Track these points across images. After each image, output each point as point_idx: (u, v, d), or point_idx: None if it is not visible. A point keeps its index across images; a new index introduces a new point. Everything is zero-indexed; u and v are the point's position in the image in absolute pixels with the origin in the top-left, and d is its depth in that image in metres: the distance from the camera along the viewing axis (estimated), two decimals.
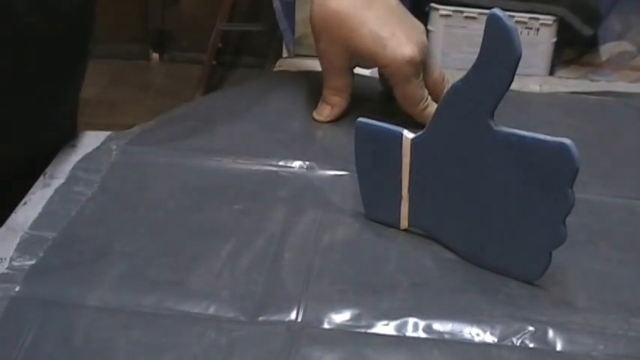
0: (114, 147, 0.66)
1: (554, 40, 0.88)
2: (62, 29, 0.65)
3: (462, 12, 0.87)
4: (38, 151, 0.67)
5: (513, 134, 0.49)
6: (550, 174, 0.48)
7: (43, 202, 0.59)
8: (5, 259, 0.53)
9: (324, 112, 0.71)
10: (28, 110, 0.66)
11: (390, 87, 0.70)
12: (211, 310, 0.49)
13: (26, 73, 0.64)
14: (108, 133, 0.68)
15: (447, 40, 0.88)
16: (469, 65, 0.49)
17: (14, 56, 0.62)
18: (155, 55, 2.59)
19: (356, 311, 0.49)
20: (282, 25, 0.86)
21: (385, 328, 0.48)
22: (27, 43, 0.62)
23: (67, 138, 0.69)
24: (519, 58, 0.46)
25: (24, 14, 0.61)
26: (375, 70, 0.73)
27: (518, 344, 0.47)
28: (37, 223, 0.56)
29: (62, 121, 0.72)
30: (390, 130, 0.54)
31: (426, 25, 0.88)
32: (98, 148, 0.66)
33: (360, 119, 0.55)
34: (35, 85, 0.65)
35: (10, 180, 0.65)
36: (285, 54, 0.89)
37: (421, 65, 0.66)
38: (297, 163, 0.64)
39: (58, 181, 0.61)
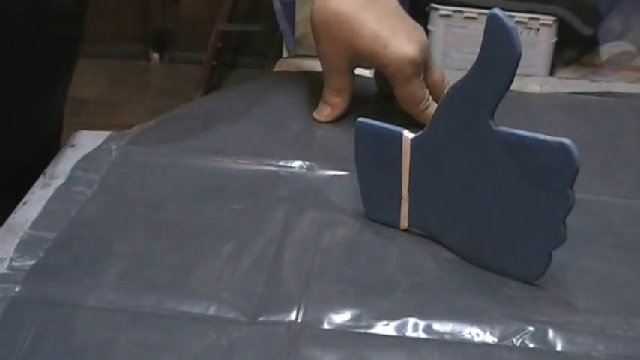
0: (114, 147, 0.66)
1: (554, 40, 0.88)
2: (53, 32, 0.65)
3: (462, 12, 0.87)
4: (25, 152, 0.67)
5: (513, 134, 0.49)
6: (550, 174, 0.48)
7: (43, 202, 0.59)
8: (5, 259, 0.53)
9: (324, 112, 0.71)
10: (16, 112, 0.66)
11: (387, 87, 0.70)
12: (211, 311, 0.49)
13: (16, 75, 0.64)
14: (108, 133, 0.68)
15: (447, 40, 0.88)
16: (469, 65, 0.49)
17: (5, 59, 0.62)
18: (155, 55, 2.58)
19: (356, 311, 0.49)
20: (282, 25, 0.86)
21: (385, 328, 0.48)
22: (18, 46, 0.62)
23: (55, 139, 0.69)
24: (519, 58, 0.46)
25: (16, 17, 0.61)
26: None
27: (518, 344, 0.47)
28: (37, 223, 0.56)
29: (50, 123, 0.72)
30: (390, 130, 0.54)
31: (426, 25, 0.88)
32: (98, 148, 0.66)
33: (360, 119, 0.55)
34: (24, 87, 0.66)
35: (10, 180, 0.65)
36: (285, 54, 0.89)
37: (422, 65, 0.66)
38: (297, 163, 0.64)
39: (58, 181, 0.61)
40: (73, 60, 0.72)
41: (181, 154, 0.65)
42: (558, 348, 0.47)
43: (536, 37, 0.87)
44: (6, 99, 0.64)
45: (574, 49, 0.93)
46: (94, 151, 0.66)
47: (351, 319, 0.49)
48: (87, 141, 0.67)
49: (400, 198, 0.55)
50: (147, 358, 0.46)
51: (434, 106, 0.67)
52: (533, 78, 0.83)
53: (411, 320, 0.48)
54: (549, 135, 0.47)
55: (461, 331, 0.48)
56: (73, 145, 0.67)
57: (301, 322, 0.48)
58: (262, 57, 2.26)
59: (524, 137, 0.48)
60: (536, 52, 0.87)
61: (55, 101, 0.73)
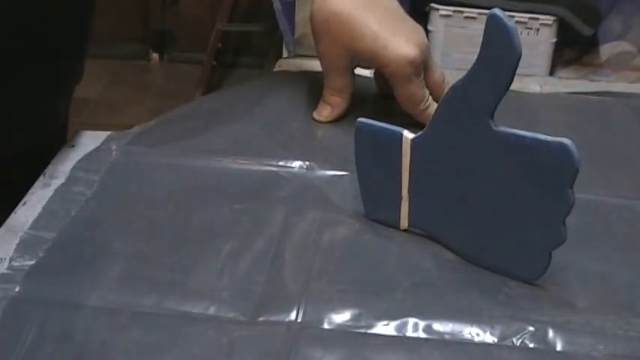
0: (114, 147, 0.66)
1: (554, 40, 0.88)
2: (61, 17, 0.65)
3: (462, 12, 0.87)
4: (31, 149, 0.67)
5: (513, 134, 0.49)
6: (550, 174, 0.48)
7: (42, 202, 0.59)
8: (5, 259, 0.53)
9: (324, 112, 0.71)
10: (24, 109, 0.66)
11: (387, 87, 0.70)
12: (211, 311, 0.49)
13: (17, 75, 0.64)
14: (108, 133, 0.68)
15: (447, 40, 0.88)
16: (469, 65, 0.49)
17: (13, 48, 0.62)
18: (155, 55, 2.59)
19: (356, 311, 0.49)
20: (283, 25, 0.86)
21: (385, 328, 0.48)
22: (24, 33, 0.62)
23: (59, 137, 0.69)
24: (519, 58, 0.46)
25: (24, 4, 0.61)
26: None
27: (518, 344, 0.47)
28: (37, 223, 0.56)
29: (56, 121, 0.72)
30: (390, 130, 0.54)
31: (426, 25, 0.88)
32: (98, 148, 0.66)
33: (360, 119, 0.55)
34: (26, 88, 0.65)
35: (9, 180, 0.65)
36: (285, 54, 0.89)
37: (422, 65, 0.66)
38: (297, 163, 0.64)
39: (58, 181, 0.61)
40: (78, 62, 0.72)
41: (181, 154, 0.65)
42: (558, 348, 0.47)
43: (536, 37, 0.87)
44: (7, 99, 0.64)
45: (574, 49, 0.93)
46: (94, 151, 0.66)
47: (351, 319, 0.49)
48: (87, 141, 0.67)
49: (400, 198, 0.55)
50: (147, 358, 0.46)
51: (434, 106, 0.67)
52: (533, 78, 0.83)
53: (411, 320, 0.48)
54: (549, 135, 0.47)
55: (461, 331, 0.48)
56: (73, 145, 0.67)
57: (301, 322, 0.48)
58: (262, 57, 2.25)
59: (525, 137, 0.48)
60: (536, 52, 0.87)
61: (58, 102, 0.72)
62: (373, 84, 0.75)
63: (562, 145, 0.47)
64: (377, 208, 0.57)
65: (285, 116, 0.72)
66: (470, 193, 0.52)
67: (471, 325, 0.48)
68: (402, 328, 0.48)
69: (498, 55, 0.47)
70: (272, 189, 0.61)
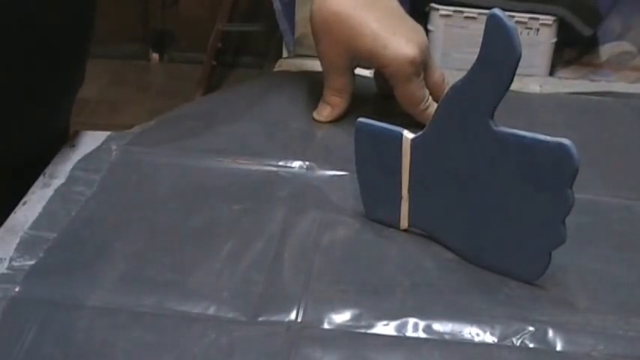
0: (114, 147, 0.66)
1: (554, 40, 0.88)
2: (62, 17, 0.65)
3: (462, 12, 0.87)
4: (32, 150, 0.67)
5: (513, 134, 0.49)
6: (550, 174, 0.48)
7: (42, 202, 0.59)
8: (5, 259, 0.53)
9: (324, 112, 0.71)
10: (25, 108, 0.66)
11: (387, 87, 0.70)
12: (211, 310, 0.49)
13: (25, 66, 0.64)
14: (108, 133, 0.68)
15: (447, 40, 0.89)
16: (469, 65, 0.49)
17: (13, 48, 0.62)
18: (155, 55, 2.58)
19: (356, 311, 0.49)
20: (283, 25, 0.86)
21: (385, 328, 0.48)
22: (26, 33, 0.62)
23: (61, 137, 0.69)
24: (519, 58, 0.46)
25: (25, 5, 0.61)
26: None
27: (518, 344, 0.47)
28: (37, 223, 0.56)
29: (58, 120, 0.72)
30: (390, 130, 0.54)
31: (426, 25, 0.88)
32: (98, 148, 0.66)
33: (360, 119, 0.55)
34: (34, 80, 0.65)
35: (9, 180, 0.65)
36: (285, 54, 0.90)
37: (422, 65, 0.66)
38: (297, 163, 0.64)
39: (58, 181, 0.61)
40: (80, 63, 0.72)
41: (181, 154, 0.65)
42: (558, 348, 0.47)
43: (536, 37, 0.87)
44: (8, 100, 0.64)
45: (574, 49, 0.93)
46: (94, 151, 0.66)
47: (351, 319, 0.49)
48: (87, 141, 0.67)
49: (400, 198, 0.55)
50: (147, 358, 0.46)
51: (434, 106, 0.67)
52: (533, 78, 0.83)
53: (411, 320, 0.48)
54: (549, 135, 0.47)
55: (461, 331, 0.48)
56: (73, 145, 0.67)
57: (301, 322, 0.48)
58: (262, 57, 2.25)
59: (524, 137, 0.48)
60: (536, 52, 0.87)
61: (59, 103, 0.72)
62: (373, 84, 0.75)
63: (561, 145, 0.47)
64: (377, 208, 0.57)
65: (285, 116, 0.72)
66: (470, 192, 0.52)
67: (471, 325, 0.48)
68: (402, 328, 0.48)
69: (498, 55, 0.47)
70: (272, 189, 0.61)
